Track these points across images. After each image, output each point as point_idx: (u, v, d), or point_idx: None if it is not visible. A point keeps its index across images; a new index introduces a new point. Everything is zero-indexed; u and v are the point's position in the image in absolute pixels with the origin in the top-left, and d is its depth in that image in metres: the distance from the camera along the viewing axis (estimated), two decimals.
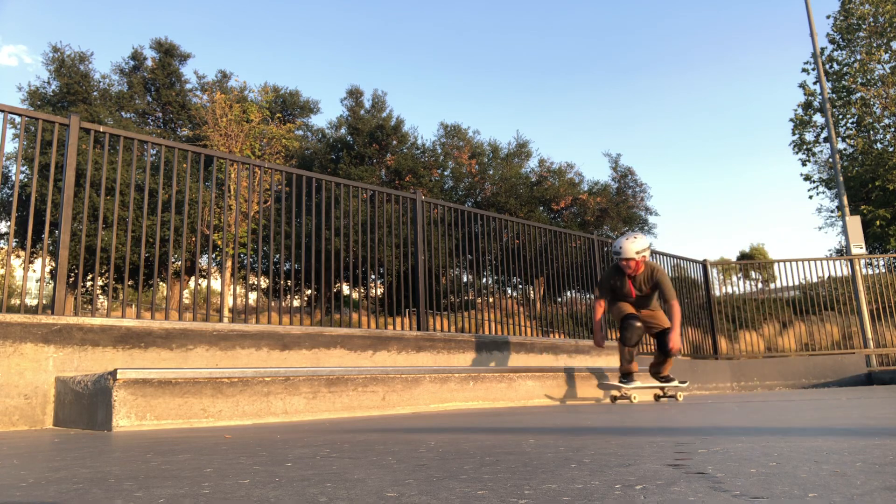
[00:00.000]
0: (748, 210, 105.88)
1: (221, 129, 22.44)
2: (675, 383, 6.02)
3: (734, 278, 18.44)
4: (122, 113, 29.96)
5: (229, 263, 11.42)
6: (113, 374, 3.19)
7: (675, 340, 5.57)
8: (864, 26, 21.51)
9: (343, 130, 34.23)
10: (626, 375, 5.77)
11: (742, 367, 10.34)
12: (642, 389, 5.92)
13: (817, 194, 24.22)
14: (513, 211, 30.82)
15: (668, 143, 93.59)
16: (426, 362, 5.85)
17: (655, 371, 5.98)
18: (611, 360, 7.55)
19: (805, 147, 23.41)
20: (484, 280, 9.51)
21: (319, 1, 75.61)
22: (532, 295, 10.11)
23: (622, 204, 33.17)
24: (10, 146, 25.06)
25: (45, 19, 69.99)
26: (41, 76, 48.51)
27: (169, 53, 30.69)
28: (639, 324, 5.57)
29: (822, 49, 20.99)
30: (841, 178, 14.41)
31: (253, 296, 14.39)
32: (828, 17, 22.94)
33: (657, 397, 6.12)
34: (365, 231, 7.31)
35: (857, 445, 1.75)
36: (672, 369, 8.97)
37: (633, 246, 5.55)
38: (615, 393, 5.84)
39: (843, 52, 22.48)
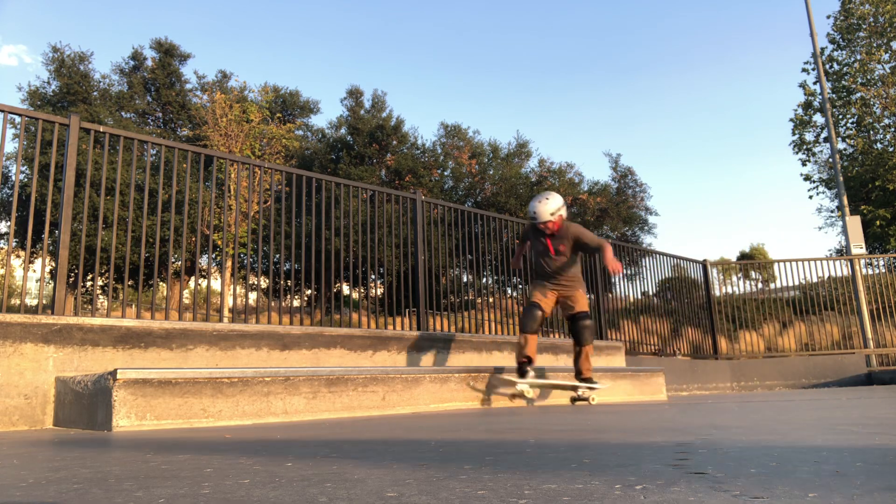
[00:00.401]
0: (748, 210, 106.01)
1: (221, 129, 22.44)
2: (596, 385, 5.51)
3: (734, 278, 18.45)
4: (122, 113, 29.95)
5: (229, 263, 11.42)
6: (113, 374, 3.19)
7: (613, 259, 5.10)
8: (864, 26, 21.51)
9: (343, 130, 34.22)
10: (520, 367, 5.25)
11: (742, 367, 10.34)
12: (539, 386, 5.45)
13: (817, 194, 24.25)
14: (513, 211, 30.81)
15: (668, 143, 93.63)
16: (426, 362, 5.85)
17: (576, 371, 5.48)
18: (613, 360, 7.55)
19: (805, 147, 23.42)
20: (484, 280, 9.51)
21: (319, 1, 75.55)
22: None
23: (622, 204, 33.18)
24: (10, 146, 25.06)
25: (45, 19, 69.94)
26: (41, 76, 48.54)
27: (169, 53, 30.69)
28: (539, 312, 5.31)
29: (822, 49, 20.99)
30: (841, 178, 14.41)
31: (253, 296, 14.38)
32: (828, 17, 22.97)
33: (573, 399, 5.57)
34: (365, 231, 7.31)
35: (857, 445, 1.75)
36: (672, 369, 8.99)
37: (547, 208, 5.26)
38: (509, 390, 5.22)
39: (843, 52, 22.48)
